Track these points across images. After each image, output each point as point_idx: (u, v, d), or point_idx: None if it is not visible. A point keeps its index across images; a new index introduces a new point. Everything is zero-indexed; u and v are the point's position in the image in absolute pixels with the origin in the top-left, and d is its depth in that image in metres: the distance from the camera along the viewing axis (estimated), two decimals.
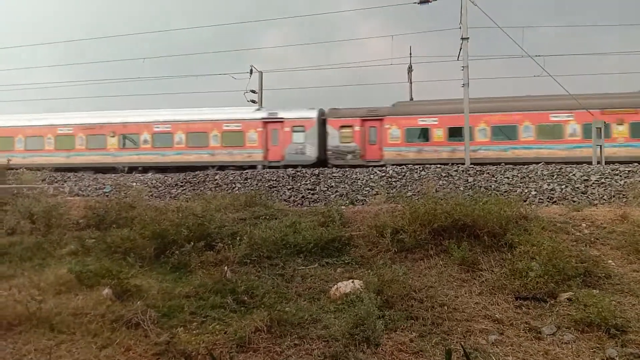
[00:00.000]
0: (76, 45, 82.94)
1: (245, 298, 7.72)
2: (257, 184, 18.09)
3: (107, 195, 16.70)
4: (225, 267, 8.80)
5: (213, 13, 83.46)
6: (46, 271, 8.83)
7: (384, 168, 18.61)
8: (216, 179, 18.95)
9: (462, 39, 22.55)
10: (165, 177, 19.94)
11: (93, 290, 7.77)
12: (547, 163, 18.96)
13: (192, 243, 9.43)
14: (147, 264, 9.20)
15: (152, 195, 17.96)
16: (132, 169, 26.06)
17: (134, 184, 18.79)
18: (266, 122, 26.20)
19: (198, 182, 18.95)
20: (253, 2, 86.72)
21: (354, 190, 17.37)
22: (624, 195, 14.48)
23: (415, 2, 23.65)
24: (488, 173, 17.15)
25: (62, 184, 19.74)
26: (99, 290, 7.69)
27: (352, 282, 8.30)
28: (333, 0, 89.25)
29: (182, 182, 19.04)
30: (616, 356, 6.21)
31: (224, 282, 8.17)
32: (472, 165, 19.12)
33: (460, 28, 22.71)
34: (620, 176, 15.68)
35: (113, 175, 22.80)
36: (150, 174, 22.16)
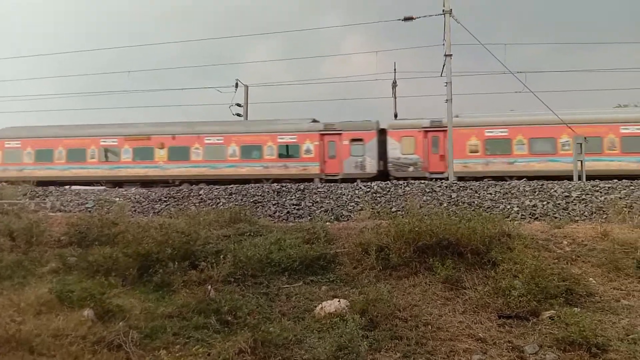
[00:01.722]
0: (64, 57, 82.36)
1: (229, 318, 7.67)
2: (241, 199, 18.00)
3: (89, 211, 16.52)
4: (209, 286, 8.72)
5: (200, 28, 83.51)
6: (26, 290, 8.69)
7: (369, 183, 18.69)
8: (200, 194, 18.82)
9: (445, 55, 22.85)
10: (149, 192, 19.78)
11: (74, 310, 7.65)
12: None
13: (176, 262, 9.35)
14: (129, 283, 9.10)
15: (135, 210, 17.78)
16: None
17: (117, 199, 18.60)
18: None
19: (182, 197, 18.79)
20: (239, 18, 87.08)
21: (339, 206, 17.38)
22: (604, 211, 14.70)
23: (399, 19, 23.97)
24: (471, 189, 17.29)
25: (44, 199, 19.48)
26: (80, 311, 7.58)
27: (337, 301, 8.30)
28: (318, 15, 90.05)
29: (165, 197, 18.87)
30: None
31: (207, 302, 8.12)
32: (455, 181, 19.30)
33: (443, 45, 23.04)
34: (601, 192, 15.90)
35: (96, 189, 22.64)
36: (133, 188, 22.03)
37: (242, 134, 25.63)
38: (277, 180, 22.78)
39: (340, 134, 24.44)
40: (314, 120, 25.61)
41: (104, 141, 26.45)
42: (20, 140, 27.28)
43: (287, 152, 25.06)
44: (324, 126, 25.12)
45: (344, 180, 21.55)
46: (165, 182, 23.90)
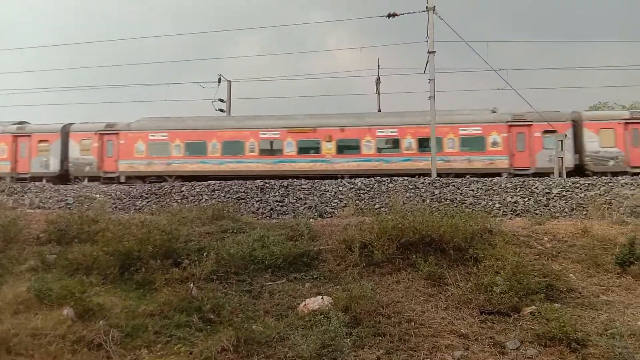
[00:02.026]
0: (44, 51, 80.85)
1: (212, 316, 7.63)
2: (225, 196, 17.88)
3: (69, 208, 16.27)
4: (191, 284, 8.63)
5: (183, 23, 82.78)
6: (4, 289, 8.53)
7: (352, 180, 18.69)
8: (182, 191, 18.64)
9: (429, 52, 22.96)
10: (130, 189, 19.54)
11: (53, 309, 7.55)
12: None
13: (158, 260, 9.25)
14: (110, 281, 8.96)
15: (115, 207, 17.55)
16: None
17: (97, 195, 18.35)
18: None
19: (164, 194, 18.59)
20: (223, 13, 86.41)
21: (322, 202, 17.36)
22: (584, 207, 14.91)
23: (383, 16, 24.02)
24: (454, 185, 17.40)
25: (22, 196, 19.13)
26: (59, 310, 7.46)
27: (321, 298, 8.29)
28: (302, 11, 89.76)
29: (147, 194, 18.66)
30: None
31: (189, 300, 8.05)
32: (438, 178, 19.41)
33: (427, 42, 23.14)
34: (581, 189, 16.13)
35: (75, 186, 22.26)
36: (114, 185, 21.74)
37: (418, 125, 24.01)
38: (460, 174, 21.29)
39: (530, 125, 23.23)
40: (493, 111, 24.42)
41: (264, 134, 25.12)
42: (168, 132, 25.78)
43: (470, 145, 23.67)
44: (511, 117, 23.80)
45: (535, 175, 20.39)
46: (333, 177, 21.33)
